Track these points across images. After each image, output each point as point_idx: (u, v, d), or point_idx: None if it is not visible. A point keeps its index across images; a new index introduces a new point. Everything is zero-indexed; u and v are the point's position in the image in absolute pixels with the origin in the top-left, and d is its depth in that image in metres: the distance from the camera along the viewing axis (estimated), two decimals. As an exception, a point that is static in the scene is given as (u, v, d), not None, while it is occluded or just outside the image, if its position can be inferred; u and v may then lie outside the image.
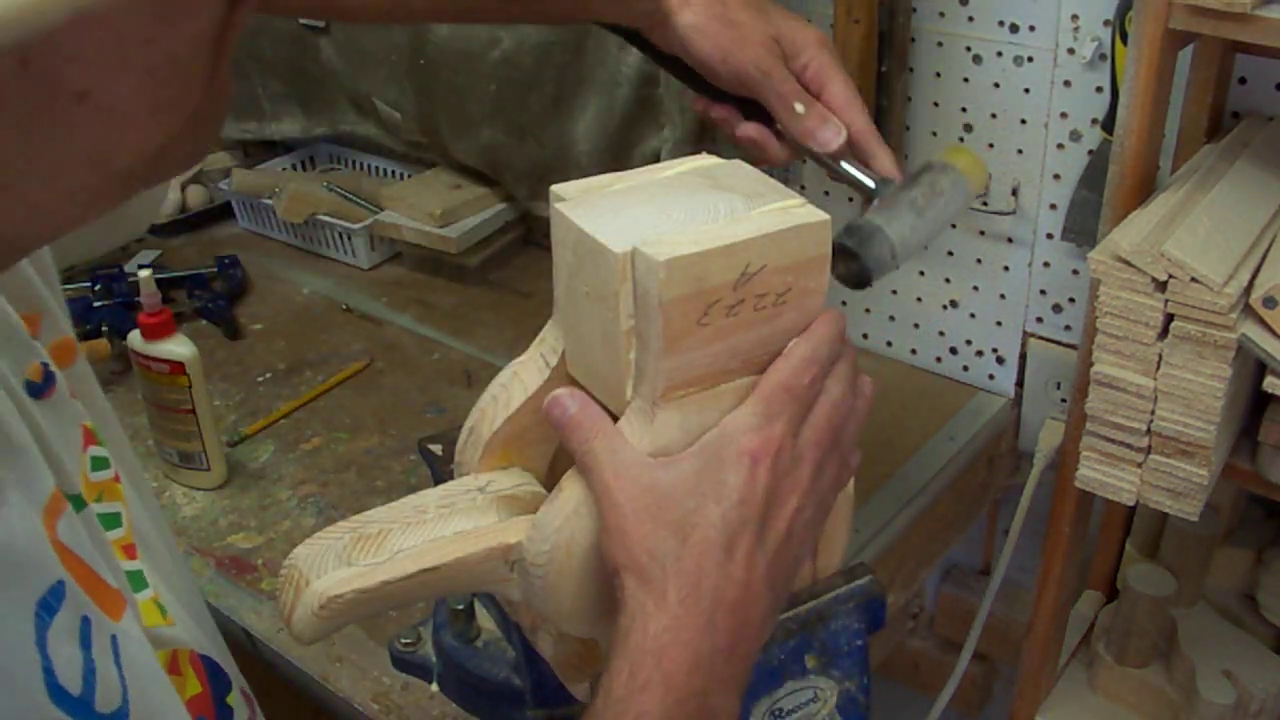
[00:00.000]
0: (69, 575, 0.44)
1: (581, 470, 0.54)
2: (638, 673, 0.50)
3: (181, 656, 0.54)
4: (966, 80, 1.10)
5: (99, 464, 0.54)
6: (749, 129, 0.80)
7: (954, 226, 1.15)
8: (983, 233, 1.15)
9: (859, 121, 0.73)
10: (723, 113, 0.80)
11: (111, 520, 0.53)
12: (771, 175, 0.61)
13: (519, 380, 0.61)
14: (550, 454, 0.63)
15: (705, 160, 0.61)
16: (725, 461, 0.52)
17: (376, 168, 1.65)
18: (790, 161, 0.82)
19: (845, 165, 0.72)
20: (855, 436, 0.58)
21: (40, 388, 0.50)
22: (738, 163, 0.62)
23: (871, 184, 0.71)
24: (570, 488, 0.55)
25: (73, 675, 0.42)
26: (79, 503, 0.49)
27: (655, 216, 0.54)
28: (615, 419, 0.55)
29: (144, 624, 0.51)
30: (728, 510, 0.52)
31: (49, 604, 0.42)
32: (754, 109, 0.78)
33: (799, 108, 0.72)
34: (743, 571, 0.52)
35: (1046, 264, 1.13)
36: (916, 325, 1.24)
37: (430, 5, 0.80)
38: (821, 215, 0.54)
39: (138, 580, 0.53)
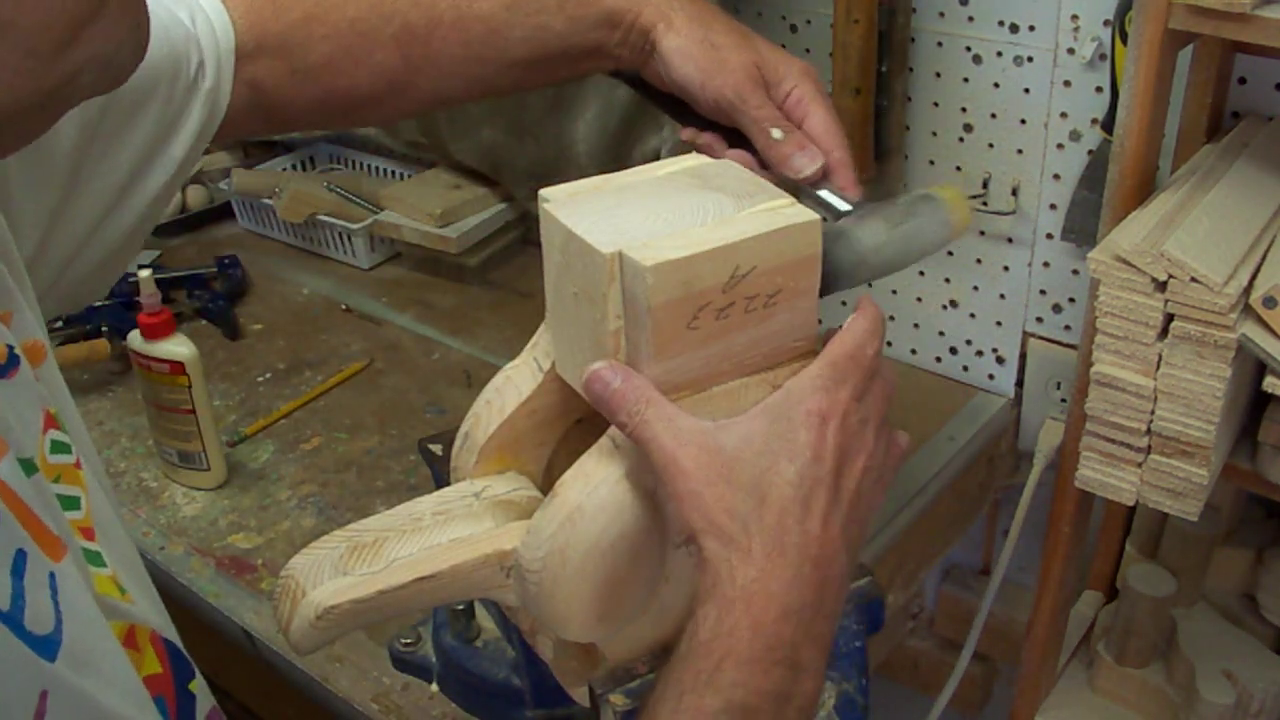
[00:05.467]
0: (6, 509, 0.44)
1: (637, 442, 0.52)
2: (725, 618, 0.49)
3: (140, 633, 0.54)
4: (966, 80, 1.10)
5: (59, 448, 0.53)
6: (733, 155, 0.80)
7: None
8: (983, 233, 1.15)
9: (837, 152, 0.72)
10: (708, 140, 0.80)
11: (70, 503, 0.53)
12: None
13: (512, 384, 0.61)
14: (546, 457, 0.63)
15: (696, 160, 0.61)
16: (794, 421, 0.52)
17: (376, 168, 1.65)
18: None
19: (820, 192, 0.72)
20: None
21: (3, 368, 0.50)
22: (728, 163, 0.61)
23: (847, 207, 0.71)
24: (565, 491, 0.55)
25: (0, 594, 0.42)
26: (29, 467, 0.49)
27: (644, 217, 0.53)
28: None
29: (96, 590, 0.50)
30: (802, 468, 0.52)
31: None
32: (739, 136, 0.78)
33: (776, 134, 0.71)
34: (821, 528, 0.52)
35: (1046, 264, 1.12)
36: (916, 325, 1.24)
37: (440, 96, 0.79)
38: (811, 215, 0.53)
39: (95, 559, 0.52)
